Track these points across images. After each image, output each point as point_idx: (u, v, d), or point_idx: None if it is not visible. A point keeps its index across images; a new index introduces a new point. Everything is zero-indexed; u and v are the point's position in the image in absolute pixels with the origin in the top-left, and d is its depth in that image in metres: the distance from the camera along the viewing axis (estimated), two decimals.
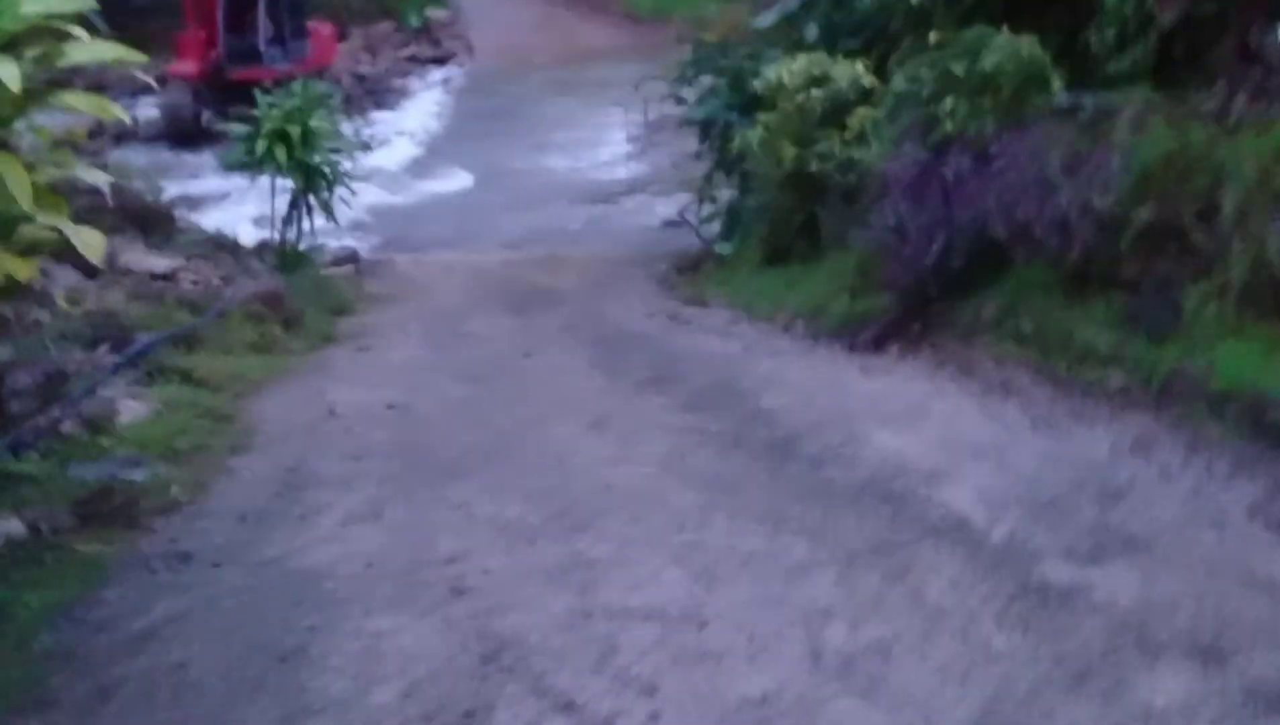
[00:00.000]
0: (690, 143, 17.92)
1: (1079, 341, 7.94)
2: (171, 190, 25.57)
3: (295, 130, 13.51)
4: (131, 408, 6.91)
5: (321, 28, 32.75)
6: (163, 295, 9.32)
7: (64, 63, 4.97)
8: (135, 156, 30.30)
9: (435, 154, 28.54)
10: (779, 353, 9.31)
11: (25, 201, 4.53)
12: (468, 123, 31.37)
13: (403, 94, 35.71)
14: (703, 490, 5.86)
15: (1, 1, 4.74)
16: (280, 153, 13.43)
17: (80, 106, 4.98)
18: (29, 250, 5.23)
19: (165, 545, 5.39)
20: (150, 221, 14.27)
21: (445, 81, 36.98)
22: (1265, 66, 10.51)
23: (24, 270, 5.15)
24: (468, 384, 8.25)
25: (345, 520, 5.67)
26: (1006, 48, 9.90)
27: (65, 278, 11.20)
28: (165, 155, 31.31)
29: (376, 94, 35.38)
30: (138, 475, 6.06)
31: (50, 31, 4.89)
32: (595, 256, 19.06)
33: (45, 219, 4.95)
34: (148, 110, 34.07)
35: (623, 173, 25.22)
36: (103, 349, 7.84)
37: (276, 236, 14.89)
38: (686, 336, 10.34)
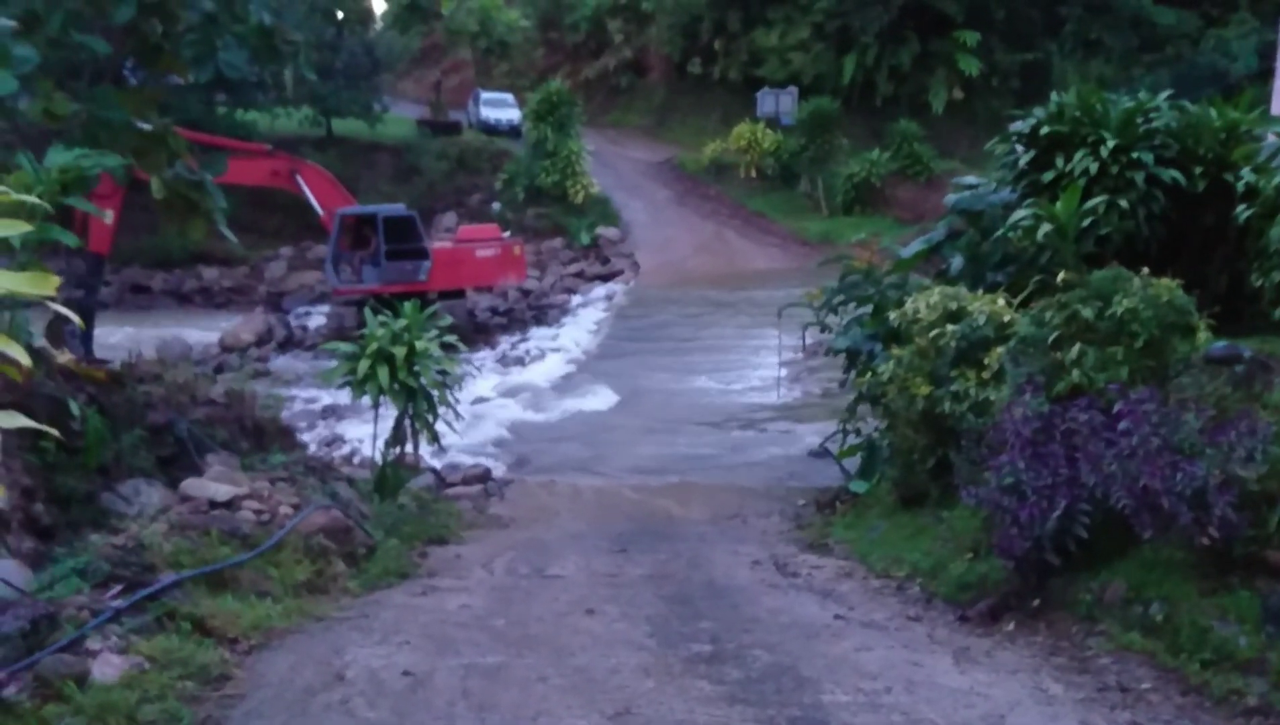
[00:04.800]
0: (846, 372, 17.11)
1: (1215, 640, 6.69)
2: (325, 399, 26.01)
3: (400, 351, 13.17)
4: (112, 664, 6.23)
5: (464, 248, 33.72)
6: (210, 527, 8.76)
7: None
8: (298, 363, 31.06)
9: (585, 371, 28.34)
10: (872, 625, 8.20)
11: None
12: (622, 341, 31.26)
13: (564, 310, 36.02)
14: None
15: None
16: (382, 374, 13.09)
17: None
18: None
19: None
20: (264, 436, 14.03)
21: (607, 298, 37.23)
22: None
23: None
24: (505, 649, 7.38)
25: None
26: (1143, 291, 8.88)
27: (151, 496, 10.85)
28: (328, 362, 31.93)
29: (539, 309, 35.79)
30: None
31: None
32: (730, 487, 18.23)
33: None
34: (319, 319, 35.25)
35: (772, 398, 24.45)
36: (112, 590, 7.25)
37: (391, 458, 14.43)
38: (779, 596, 9.30)
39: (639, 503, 17.41)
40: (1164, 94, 13.69)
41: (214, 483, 9.75)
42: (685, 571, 10.70)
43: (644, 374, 27.59)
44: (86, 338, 14.33)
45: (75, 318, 5.02)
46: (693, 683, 6.57)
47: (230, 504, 9.46)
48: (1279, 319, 10.22)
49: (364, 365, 13.33)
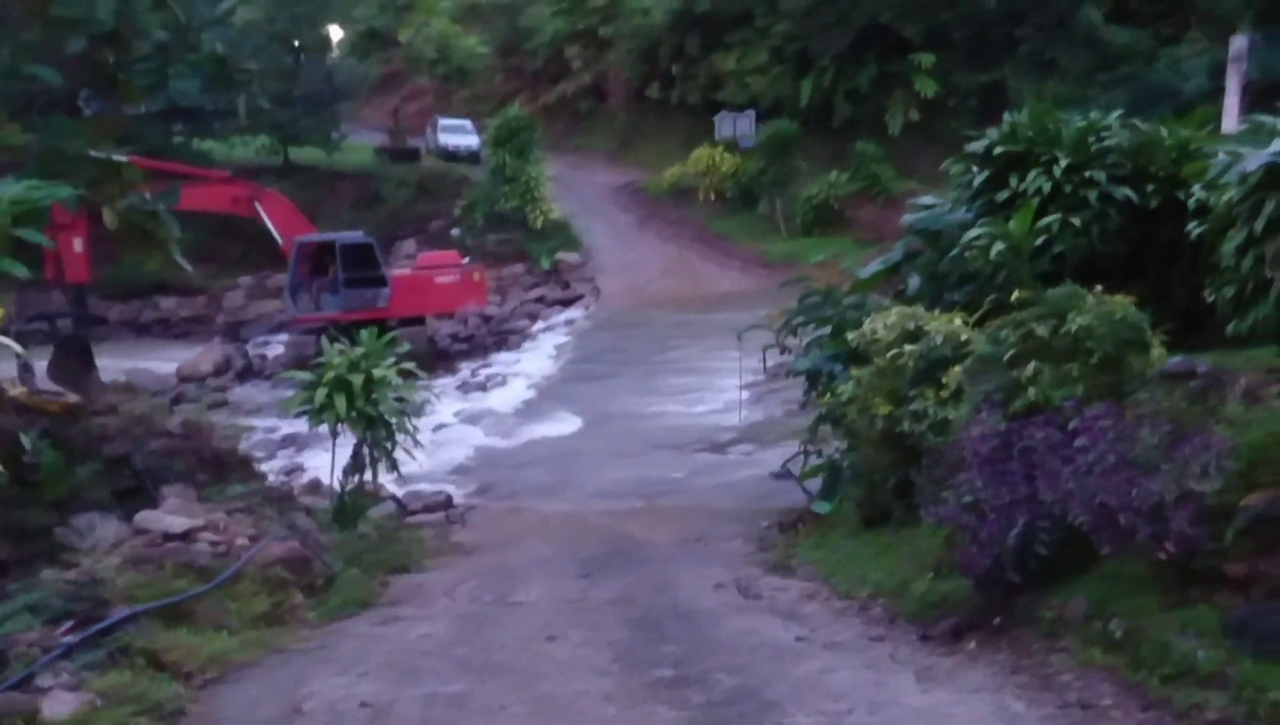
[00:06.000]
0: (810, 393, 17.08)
1: (1175, 654, 6.72)
2: (284, 428, 25.83)
3: (358, 379, 13.11)
4: (64, 701, 6.13)
5: (424, 275, 33.81)
6: (165, 560, 8.66)
7: None
8: (258, 393, 30.86)
9: (548, 396, 28.28)
10: (836, 646, 8.19)
11: None
12: (585, 365, 31.24)
13: (525, 335, 36.00)
14: None
15: None
16: (340, 402, 13.02)
17: None
18: None
19: None
20: (223, 466, 13.92)
21: (568, 323, 37.21)
22: None
23: None
24: (467, 677, 7.32)
25: None
26: (1097, 308, 8.95)
27: (106, 529, 10.72)
28: (288, 391, 31.86)
29: (500, 335, 35.76)
30: None
31: None
32: (696, 509, 18.20)
33: None
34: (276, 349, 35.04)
35: (736, 420, 24.44)
36: (64, 626, 7.15)
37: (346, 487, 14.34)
38: (744, 618, 9.29)
39: (604, 527, 17.34)
40: (1116, 112, 13.84)
41: (170, 515, 9.66)
42: (649, 595, 10.67)
43: (607, 398, 27.56)
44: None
45: (18, 348, 4.96)
46: (655, 708, 6.54)
47: (186, 536, 9.36)
48: (1233, 334, 10.29)
49: (321, 393, 13.27)
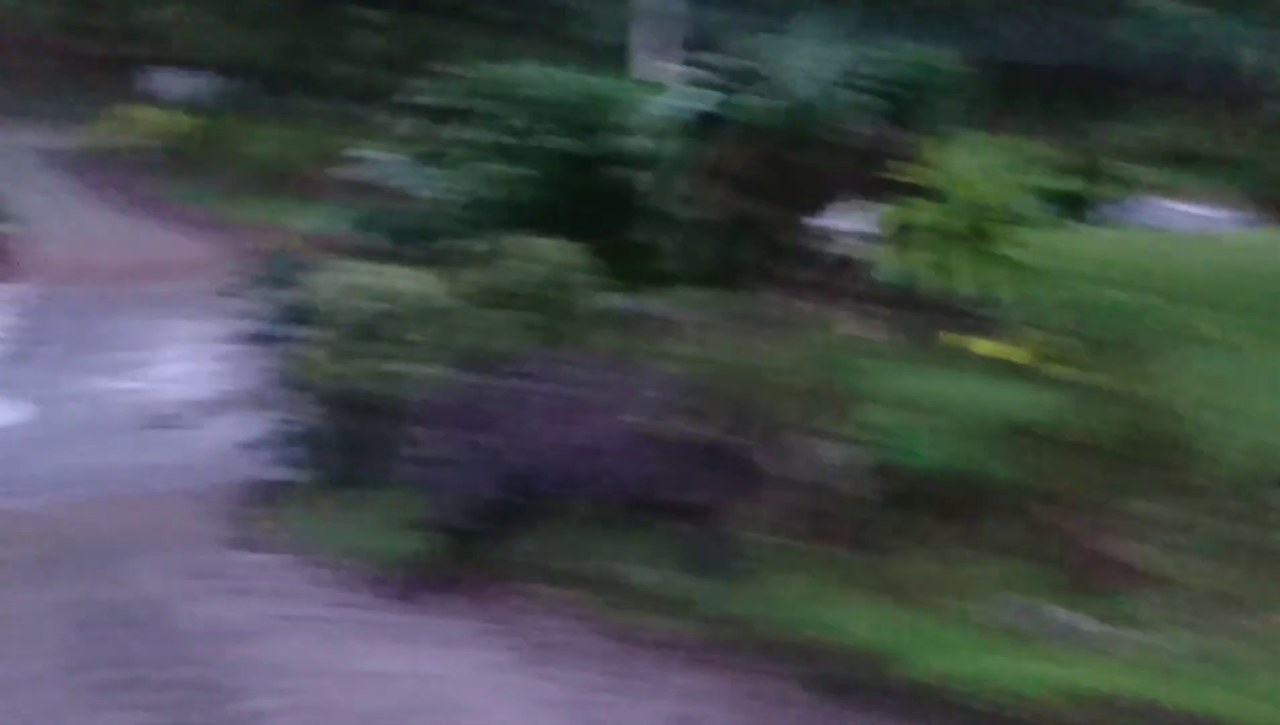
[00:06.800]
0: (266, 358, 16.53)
1: (625, 581, 7.09)
2: None
3: None
4: None
5: None
6: None
7: None
8: None
9: None
10: (304, 619, 8.00)
11: None
12: (23, 346, 28.64)
13: None
14: None
15: None
16: None
17: None
18: None
19: None
20: None
21: (5, 301, 34.03)
22: (814, 265, 10.39)
23: None
24: None
25: None
26: (529, 253, 9.23)
27: None
28: None
29: None
30: None
31: None
32: (154, 492, 17.18)
33: None
34: None
35: (195, 392, 23.28)
36: None
37: None
38: (205, 603, 8.85)
39: (48, 522, 16.01)
40: (539, 64, 14.35)
41: None
42: (100, 592, 9.91)
43: (52, 380, 25.30)
44: None
45: None
46: (107, 715, 6.06)
47: None
48: (667, 273, 10.98)
49: None
